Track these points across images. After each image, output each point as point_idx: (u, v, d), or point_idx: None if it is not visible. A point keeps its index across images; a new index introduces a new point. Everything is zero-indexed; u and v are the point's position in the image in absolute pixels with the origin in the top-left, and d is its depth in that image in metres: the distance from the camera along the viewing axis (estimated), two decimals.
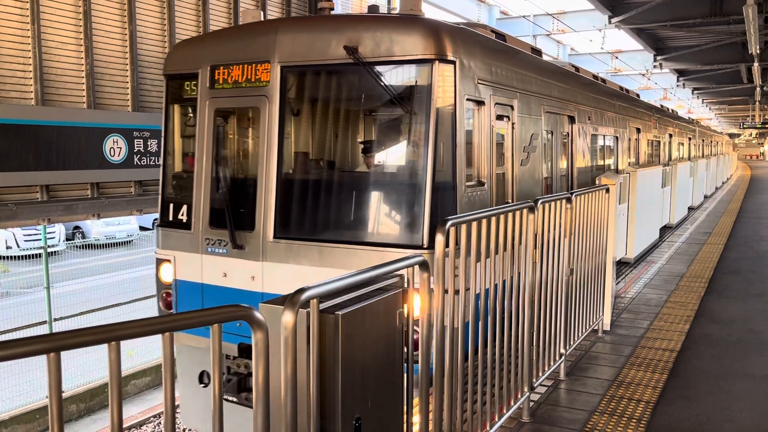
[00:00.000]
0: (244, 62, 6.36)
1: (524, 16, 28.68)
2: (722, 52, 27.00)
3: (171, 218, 6.99)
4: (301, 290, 2.57)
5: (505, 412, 4.54)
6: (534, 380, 5.03)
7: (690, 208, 20.36)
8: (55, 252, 20.90)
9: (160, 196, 7.22)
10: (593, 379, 5.74)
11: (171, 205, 7.03)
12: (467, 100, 6.04)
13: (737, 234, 15.03)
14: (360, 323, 2.95)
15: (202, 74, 6.67)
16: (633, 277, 10.20)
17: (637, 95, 17.61)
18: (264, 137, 6.23)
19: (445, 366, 3.62)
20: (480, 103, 6.32)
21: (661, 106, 23.82)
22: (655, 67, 29.85)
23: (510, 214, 4.36)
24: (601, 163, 11.89)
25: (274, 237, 6.15)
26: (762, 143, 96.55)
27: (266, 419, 2.39)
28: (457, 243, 3.76)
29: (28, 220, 10.29)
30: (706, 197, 25.09)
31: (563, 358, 5.70)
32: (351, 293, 3.04)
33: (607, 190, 6.83)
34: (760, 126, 52.64)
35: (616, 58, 34.66)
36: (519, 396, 4.78)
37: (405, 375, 3.38)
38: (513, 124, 7.12)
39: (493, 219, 4.14)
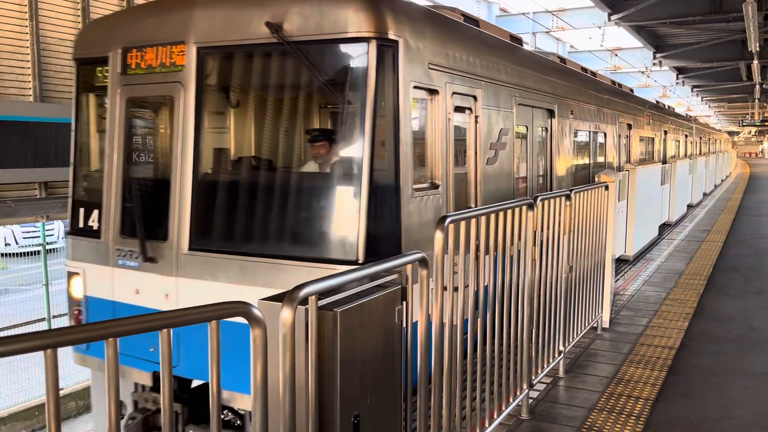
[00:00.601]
0: (158, 44, 5.53)
1: (524, 14, 28.66)
2: (722, 50, 27.00)
3: (81, 225, 6.09)
4: (300, 286, 2.56)
5: (504, 409, 4.54)
6: (533, 377, 5.02)
7: (689, 206, 20.36)
8: (54, 249, 20.88)
9: (69, 199, 6.31)
10: (592, 377, 5.74)
11: (81, 210, 6.12)
12: (415, 87, 5.24)
13: (736, 231, 15.03)
14: (359, 320, 2.94)
15: (113, 58, 5.78)
16: (632, 275, 10.19)
17: (631, 90, 17.24)
18: (178, 131, 5.42)
19: (444, 363, 3.62)
20: (433, 91, 5.54)
21: (657, 101, 23.53)
22: (654, 64, 29.88)
23: (509, 211, 4.36)
24: (585, 161, 11.09)
25: (190, 249, 5.33)
26: (761, 141, 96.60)
27: (265, 417, 2.38)
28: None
29: (26, 217, 10.30)
30: (705, 195, 25.10)
31: (562, 355, 5.70)
32: (350, 290, 3.03)
33: (607, 188, 6.82)
34: (759, 123, 52.66)
35: (616, 55, 34.64)
36: (518, 393, 4.77)
37: (404, 372, 3.37)
38: (476, 117, 6.34)
39: (492, 216, 4.13)
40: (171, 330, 2.14)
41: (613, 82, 14.82)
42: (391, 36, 4.96)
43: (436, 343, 3.53)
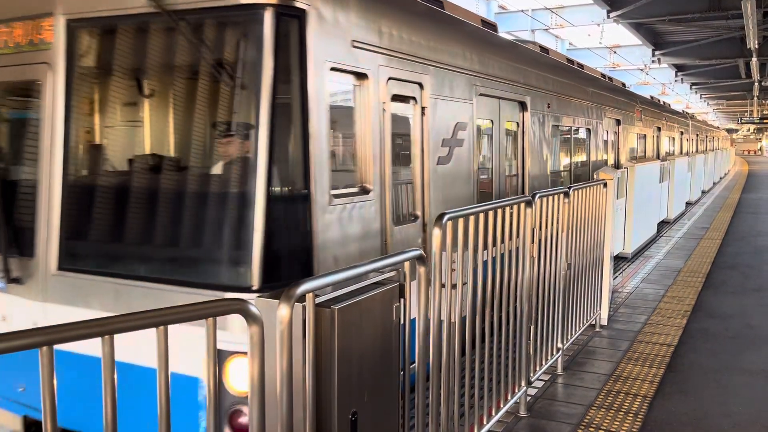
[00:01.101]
0: (25, 17, 4.62)
1: (522, 11, 28.65)
2: (721, 47, 26.99)
3: None
4: (297, 284, 2.56)
5: (502, 406, 4.55)
6: (531, 374, 5.03)
7: (688, 203, 20.38)
8: None
9: None
10: (590, 374, 5.75)
11: None
12: (333, 69, 4.30)
13: (735, 229, 15.04)
14: (356, 317, 2.94)
15: None
16: (630, 272, 10.20)
17: (623, 84, 16.70)
18: (46, 123, 4.51)
19: (442, 360, 3.62)
20: (360, 75, 4.64)
21: (651, 97, 23.17)
22: (653, 62, 29.86)
23: (508, 209, 4.36)
24: (566, 161, 10.14)
25: (59, 268, 4.44)
26: (760, 138, 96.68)
27: (262, 414, 2.38)
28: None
29: None
30: (703, 192, 25.12)
31: (560, 352, 5.70)
32: (347, 287, 3.03)
33: (605, 185, 6.82)
34: (758, 121, 52.72)
35: (615, 53, 34.61)
36: (516, 390, 4.78)
37: (401, 369, 3.37)
38: (423, 108, 5.43)
39: (491, 213, 4.13)
40: (166, 327, 2.13)
41: (604, 76, 14.01)
42: (297, 4, 4.03)
43: (434, 340, 3.53)
